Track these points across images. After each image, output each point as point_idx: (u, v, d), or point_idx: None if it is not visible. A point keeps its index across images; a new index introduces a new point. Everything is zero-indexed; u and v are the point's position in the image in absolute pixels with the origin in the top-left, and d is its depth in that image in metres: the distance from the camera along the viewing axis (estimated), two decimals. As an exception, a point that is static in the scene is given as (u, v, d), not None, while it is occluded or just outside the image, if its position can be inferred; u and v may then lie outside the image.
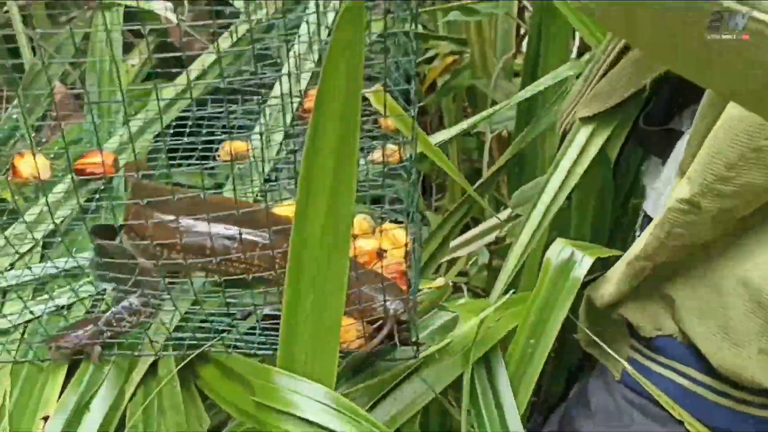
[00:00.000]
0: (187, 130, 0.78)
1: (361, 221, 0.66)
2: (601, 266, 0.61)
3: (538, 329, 0.57)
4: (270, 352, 0.57)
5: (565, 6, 0.73)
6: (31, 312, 0.61)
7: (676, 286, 0.56)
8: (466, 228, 0.93)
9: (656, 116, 0.64)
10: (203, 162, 0.75)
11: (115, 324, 0.58)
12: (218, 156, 0.76)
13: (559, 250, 0.60)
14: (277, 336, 0.57)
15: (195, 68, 0.84)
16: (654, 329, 0.58)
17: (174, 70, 0.86)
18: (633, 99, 0.64)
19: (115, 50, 0.86)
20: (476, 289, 0.89)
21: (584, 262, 0.59)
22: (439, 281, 0.64)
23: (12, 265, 0.66)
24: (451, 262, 0.98)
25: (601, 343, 0.60)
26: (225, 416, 0.59)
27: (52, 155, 0.78)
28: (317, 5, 0.79)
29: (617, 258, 0.60)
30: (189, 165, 0.77)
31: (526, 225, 0.63)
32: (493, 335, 0.58)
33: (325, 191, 0.44)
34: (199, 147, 0.75)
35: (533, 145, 0.82)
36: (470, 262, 0.93)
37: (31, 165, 0.71)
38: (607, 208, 0.68)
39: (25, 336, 0.60)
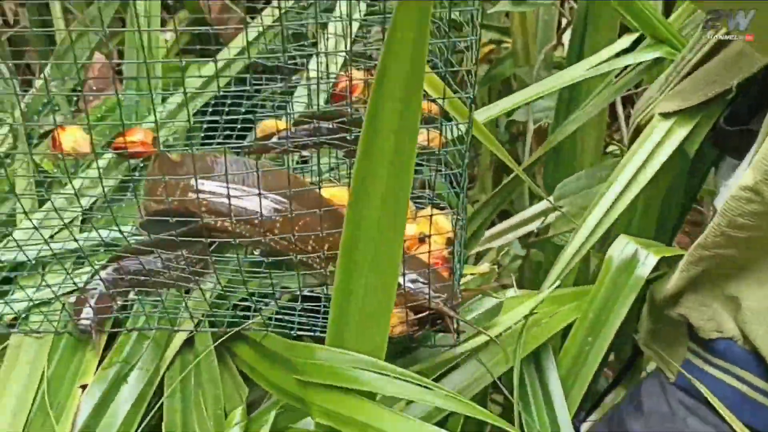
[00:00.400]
0: (226, 108, 0.78)
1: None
2: (665, 265, 0.60)
3: (596, 328, 0.55)
4: (310, 333, 0.57)
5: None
6: (74, 283, 0.60)
7: (742, 286, 0.55)
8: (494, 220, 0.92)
9: (738, 117, 0.63)
10: (239, 141, 0.74)
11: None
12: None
13: (623, 247, 0.58)
14: (317, 317, 0.57)
15: (232, 47, 0.84)
16: (714, 331, 0.56)
17: (209, 47, 0.86)
18: (717, 99, 0.63)
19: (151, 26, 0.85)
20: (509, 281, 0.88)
21: (648, 261, 0.57)
22: (484, 267, 0.63)
23: (52, 237, 0.66)
24: (478, 255, 0.97)
25: (647, 350, 0.59)
26: (258, 394, 0.59)
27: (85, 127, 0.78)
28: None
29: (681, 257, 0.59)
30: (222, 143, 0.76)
31: (587, 219, 0.62)
32: (545, 331, 0.57)
33: (383, 171, 0.44)
34: (238, 126, 0.75)
35: (572, 136, 0.81)
36: (501, 254, 0.92)
37: (72, 138, 0.71)
38: (675, 205, 0.67)
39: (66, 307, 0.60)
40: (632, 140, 0.68)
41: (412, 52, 0.41)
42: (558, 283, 0.60)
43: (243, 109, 0.79)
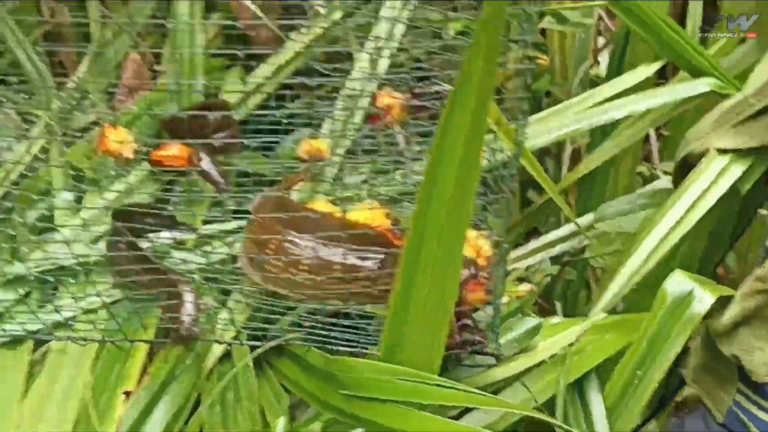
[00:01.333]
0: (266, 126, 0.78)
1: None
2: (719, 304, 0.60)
3: (647, 361, 0.55)
4: (351, 348, 0.57)
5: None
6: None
7: None
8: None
9: None
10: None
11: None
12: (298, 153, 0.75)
13: (678, 282, 0.58)
14: (359, 333, 0.57)
15: (271, 63, 0.84)
16: None
17: (239, 50, 0.86)
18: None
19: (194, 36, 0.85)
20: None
21: (705, 300, 0.57)
22: (524, 287, 0.63)
23: (98, 240, 0.66)
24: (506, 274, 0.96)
25: (695, 387, 0.58)
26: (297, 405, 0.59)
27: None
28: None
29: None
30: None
31: (638, 248, 0.62)
32: (589, 359, 0.57)
33: (448, 189, 0.45)
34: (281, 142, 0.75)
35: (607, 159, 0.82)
36: (531, 272, 0.92)
37: (118, 139, 0.71)
38: (722, 239, 0.67)
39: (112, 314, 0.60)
40: (679, 168, 0.68)
41: (482, 75, 0.42)
42: (604, 314, 0.60)
43: (282, 127, 0.79)
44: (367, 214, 0.64)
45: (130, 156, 0.72)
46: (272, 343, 0.57)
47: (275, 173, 0.80)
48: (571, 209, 0.91)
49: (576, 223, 0.75)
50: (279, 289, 0.59)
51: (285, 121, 0.80)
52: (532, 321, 0.61)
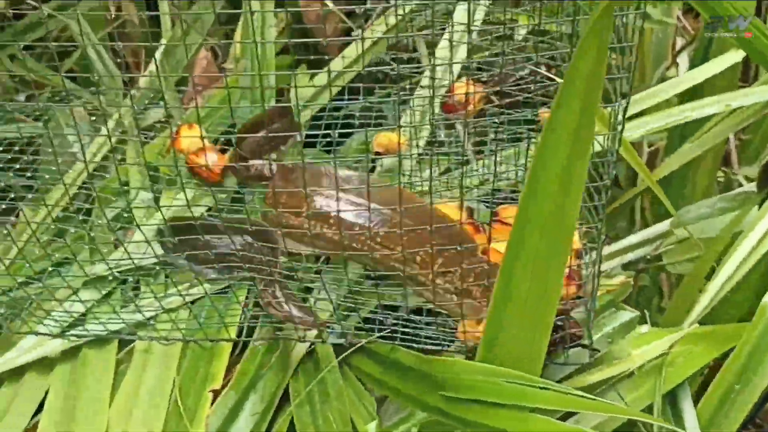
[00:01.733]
0: (340, 120, 0.78)
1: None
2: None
3: (745, 376, 0.53)
4: (438, 347, 0.56)
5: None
6: (205, 289, 0.60)
7: None
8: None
9: None
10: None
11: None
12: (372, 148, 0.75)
13: None
14: (445, 332, 0.56)
15: (346, 55, 0.83)
16: None
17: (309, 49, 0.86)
18: None
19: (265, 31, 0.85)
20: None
21: None
22: (619, 279, 0.62)
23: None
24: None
25: None
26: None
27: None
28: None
29: None
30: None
31: (731, 256, 0.60)
32: (681, 371, 0.55)
33: (554, 183, 0.43)
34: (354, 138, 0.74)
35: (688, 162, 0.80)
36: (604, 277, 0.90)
37: (190, 140, 0.71)
38: None
39: (193, 313, 0.60)
40: (764, 172, 0.65)
41: (587, 86, 0.41)
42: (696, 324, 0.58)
43: (356, 122, 0.78)
44: (444, 208, 0.63)
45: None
46: (362, 342, 0.56)
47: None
48: (646, 214, 0.89)
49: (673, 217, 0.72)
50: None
51: (357, 114, 0.80)
52: (627, 314, 0.60)
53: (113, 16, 0.99)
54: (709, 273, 0.65)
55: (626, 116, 0.50)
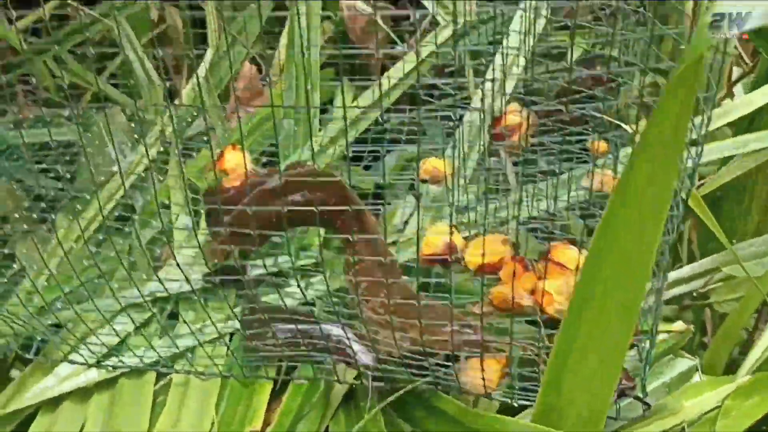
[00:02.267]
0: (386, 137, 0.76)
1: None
2: None
3: None
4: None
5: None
6: (239, 319, 0.58)
7: None
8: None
9: None
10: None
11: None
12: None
13: None
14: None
15: (392, 75, 0.81)
16: None
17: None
18: None
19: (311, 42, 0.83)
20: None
21: None
22: (679, 325, 0.60)
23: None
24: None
25: None
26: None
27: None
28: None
29: None
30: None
31: None
32: (737, 423, 0.53)
33: (629, 235, 0.41)
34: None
35: (739, 193, 0.77)
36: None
37: (235, 161, 0.69)
38: None
39: (231, 347, 0.59)
40: None
41: (672, 132, 0.38)
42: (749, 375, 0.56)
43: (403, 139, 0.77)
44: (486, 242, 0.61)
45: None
46: (407, 389, 0.54)
47: (377, 187, 0.78)
48: (693, 247, 0.86)
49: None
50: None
51: (405, 129, 0.78)
52: (685, 362, 0.57)
53: (156, 20, 0.98)
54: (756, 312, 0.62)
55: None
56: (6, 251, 0.69)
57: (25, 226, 0.72)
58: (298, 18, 0.79)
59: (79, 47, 0.93)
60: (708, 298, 0.76)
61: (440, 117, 0.80)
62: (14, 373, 0.71)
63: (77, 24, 0.90)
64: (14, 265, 0.69)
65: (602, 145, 0.71)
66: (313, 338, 0.56)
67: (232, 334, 0.60)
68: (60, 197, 0.75)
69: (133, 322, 0.59)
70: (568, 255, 0.58)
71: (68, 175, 0.76)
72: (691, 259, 0.82)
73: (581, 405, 0.46)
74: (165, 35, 0.99)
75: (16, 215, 0.73)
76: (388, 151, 0.80)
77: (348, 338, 0.54)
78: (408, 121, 0.80)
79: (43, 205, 0.72)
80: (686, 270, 0.77)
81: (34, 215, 0.72)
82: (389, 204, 0.74)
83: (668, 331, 0.60)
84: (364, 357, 0.54)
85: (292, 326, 0.56)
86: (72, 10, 0.91)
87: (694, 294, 0.76)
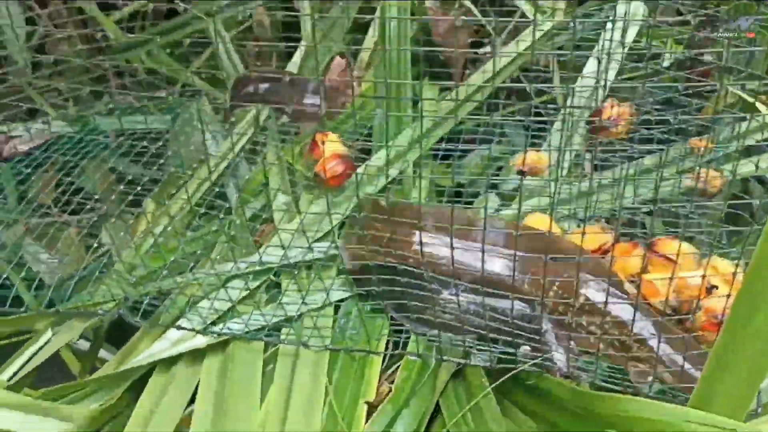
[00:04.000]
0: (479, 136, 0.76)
1: (684, 249, 0.60)
2: None
3: None
4: (588, 379, 0.54)
5: None
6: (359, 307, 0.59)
7: None
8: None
9: None
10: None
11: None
12: (512, 164, 0.73)
13: None
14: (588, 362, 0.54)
15: (484, 70, 0.82)
16: None
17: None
18: None
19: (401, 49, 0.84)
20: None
21: None
22: None
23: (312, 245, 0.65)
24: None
25: None
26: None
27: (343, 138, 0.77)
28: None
29: None
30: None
31: None
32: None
33: None
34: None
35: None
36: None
37: (332, 148, 0.71)
38: None
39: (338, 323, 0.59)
40: None
41: None
42: None
43: (496, 138, 0.77)
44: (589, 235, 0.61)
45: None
46: (519, 369, 0.54)
47: (457, 184, 0.78)
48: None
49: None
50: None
51: (498, 131, 0.78)
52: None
53: (245, 18, 1.00)
54: None
55: None
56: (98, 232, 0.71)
57: (119, 209, 0.74)
58: (388, 19, 0.80)
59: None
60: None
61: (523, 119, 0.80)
62: (102, 353, 0.72)
63: (178, 21, 0.92)
64: (103, 246, 0.71)
65: (704, 143, 0.71)
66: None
67: (337, 306, 0.60)
68: (151, 183, 0.77)
69: (246, 286, 0.60)
70: (673, 248, 0.58)
71: (161, 160, 0.78)
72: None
73: (735, 392, 0.44)
74: (251, 30, 1.01)
75: (111, 198, 0.74)
76: (468, 151, 0.80)
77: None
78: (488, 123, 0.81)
79: (136, 189, 0.73)
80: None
81: (129, 197, 0.73)
82: (471, 203, 0.74)
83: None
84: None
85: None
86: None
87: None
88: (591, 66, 0.78)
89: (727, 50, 0.69)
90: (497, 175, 0.80)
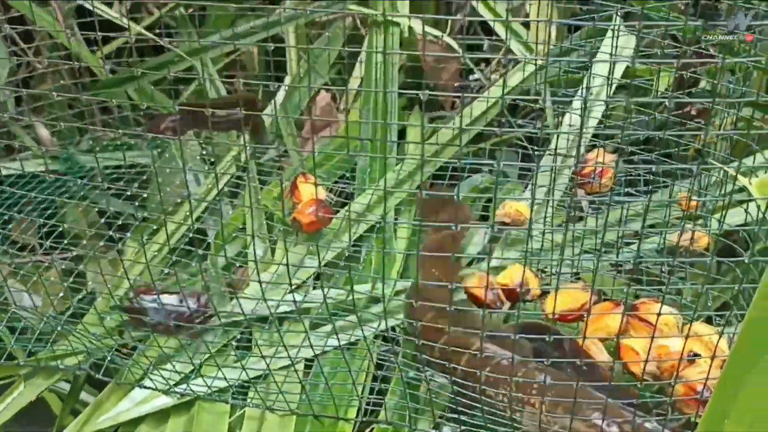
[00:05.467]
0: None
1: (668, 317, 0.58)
2: None
3: None
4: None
5: None
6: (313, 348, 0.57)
7: None
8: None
9: None
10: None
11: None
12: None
13: None
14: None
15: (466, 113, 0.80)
16: None
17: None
18: None
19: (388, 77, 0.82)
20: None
21: None
22: None
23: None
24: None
25: None
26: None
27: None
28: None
29: None
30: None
31: None
32: None
33: None
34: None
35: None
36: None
37: (311, 191, 0.69)
38: None
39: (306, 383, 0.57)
40: None
41: None
42: None
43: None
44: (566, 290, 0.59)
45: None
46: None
47: None
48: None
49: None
50: None
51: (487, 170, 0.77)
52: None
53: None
54: None
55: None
56: (78, 270, 0.69)
57: (97, 247, 0.72)
58: (375, 53, 0.79)
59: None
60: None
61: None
62: (83, 395, 0.71)
63: (163, 59, 0.91)
64: (85, 287, 0.70)
65: (692, 203, 0.68)
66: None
67: (309, 365, 0.59)
68: (132, 219, 0.76)
69: (212, 343, 0.58)
70: (655, 311, 0.56)
71: (144, 195, 0.76)
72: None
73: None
74: (239, 62, 0.99)
75: (89, 235, 0.73)
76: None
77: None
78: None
79: (116, 224, 0.71)
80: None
81: (109, 235, 0.72)
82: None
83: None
84: None
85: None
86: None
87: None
88: (575, 105, 0.76)
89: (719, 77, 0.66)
90: (487, 208, 0.78)
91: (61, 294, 0.68)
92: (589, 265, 0.64)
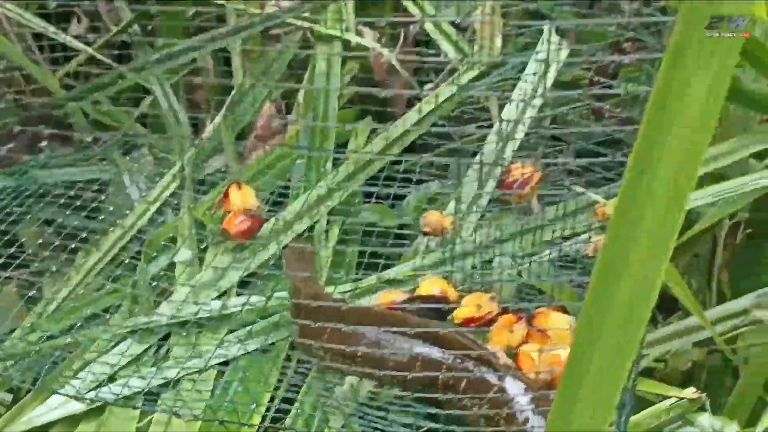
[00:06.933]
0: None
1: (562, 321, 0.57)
2: None
3: None
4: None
5: None
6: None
7: None
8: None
9: None
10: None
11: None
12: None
13: None
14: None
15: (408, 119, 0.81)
16: None
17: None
18: None
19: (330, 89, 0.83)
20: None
21: None
22: (689, 392, 0.57)
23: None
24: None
25: None
26: None
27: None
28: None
29: None
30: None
31: None
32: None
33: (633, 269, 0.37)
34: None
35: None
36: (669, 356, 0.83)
37: (242, 199, 0.70)
38: None
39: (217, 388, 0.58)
40: None
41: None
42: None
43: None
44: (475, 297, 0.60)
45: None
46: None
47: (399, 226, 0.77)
48: (725, 288, 0.82)
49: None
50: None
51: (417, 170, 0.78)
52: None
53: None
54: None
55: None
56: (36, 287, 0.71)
57: (54, 266, 0.74)
58: (316, 63, 0.80)
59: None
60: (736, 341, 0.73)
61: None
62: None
63: (114, 77, 0.93)
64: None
65: (609, 210, 0.68)
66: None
67: (222, 371, 0.60)
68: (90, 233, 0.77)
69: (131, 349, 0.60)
70: (554, 321, 0.57)
71: (98, 206, 0.78)
72: (721, 300, 0.79)
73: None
74: (195, 73, 1.01)
75: (45, 253, 0.75)
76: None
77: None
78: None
79: (76, 238, 0.73)
80: (716, 311, 0.74)
81: (68, 248, 0.74)
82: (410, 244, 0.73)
83: (680, 398, 0.57)
84: None
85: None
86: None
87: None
88: (510, 114, 0.77)
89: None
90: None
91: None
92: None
